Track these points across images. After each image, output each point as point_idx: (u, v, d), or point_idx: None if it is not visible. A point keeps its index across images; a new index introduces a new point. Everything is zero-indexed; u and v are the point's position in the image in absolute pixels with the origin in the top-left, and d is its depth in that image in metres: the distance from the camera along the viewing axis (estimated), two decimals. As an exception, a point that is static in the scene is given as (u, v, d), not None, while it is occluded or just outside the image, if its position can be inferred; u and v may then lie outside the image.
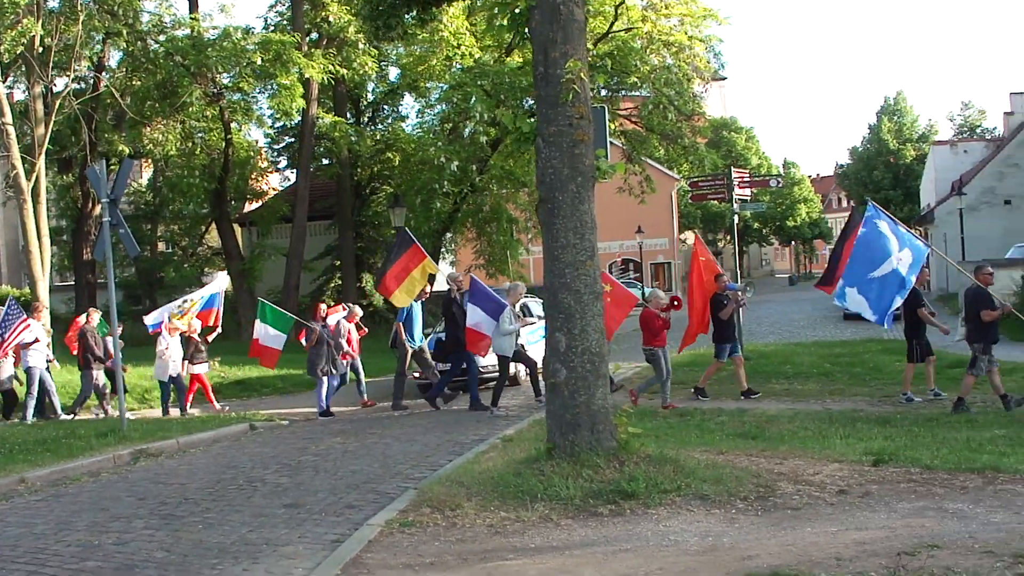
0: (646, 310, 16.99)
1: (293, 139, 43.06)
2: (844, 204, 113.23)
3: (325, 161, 42.45)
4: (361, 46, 35.24)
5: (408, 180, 36.00)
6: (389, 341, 20.25)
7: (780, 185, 53.77)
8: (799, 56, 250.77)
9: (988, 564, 6.57)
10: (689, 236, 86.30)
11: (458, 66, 32.49)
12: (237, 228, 42.62)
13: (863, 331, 28.07)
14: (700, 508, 8.79)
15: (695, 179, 29.20)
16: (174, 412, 20.29)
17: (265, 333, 20.79)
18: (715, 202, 32.77)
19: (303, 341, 20.08)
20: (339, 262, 41.71)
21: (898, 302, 15.17)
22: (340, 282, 41.11)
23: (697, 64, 32.75)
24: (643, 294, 17.29)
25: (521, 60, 29.84)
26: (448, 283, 19.62)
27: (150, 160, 39.84)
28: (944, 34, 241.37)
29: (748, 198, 25.34)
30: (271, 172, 47.66)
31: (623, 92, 35.64)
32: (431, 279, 20.18)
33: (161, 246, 46.61)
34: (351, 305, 21.46)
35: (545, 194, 10.09)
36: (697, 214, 78.10)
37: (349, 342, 19.84)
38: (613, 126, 35.12)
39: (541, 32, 10.16)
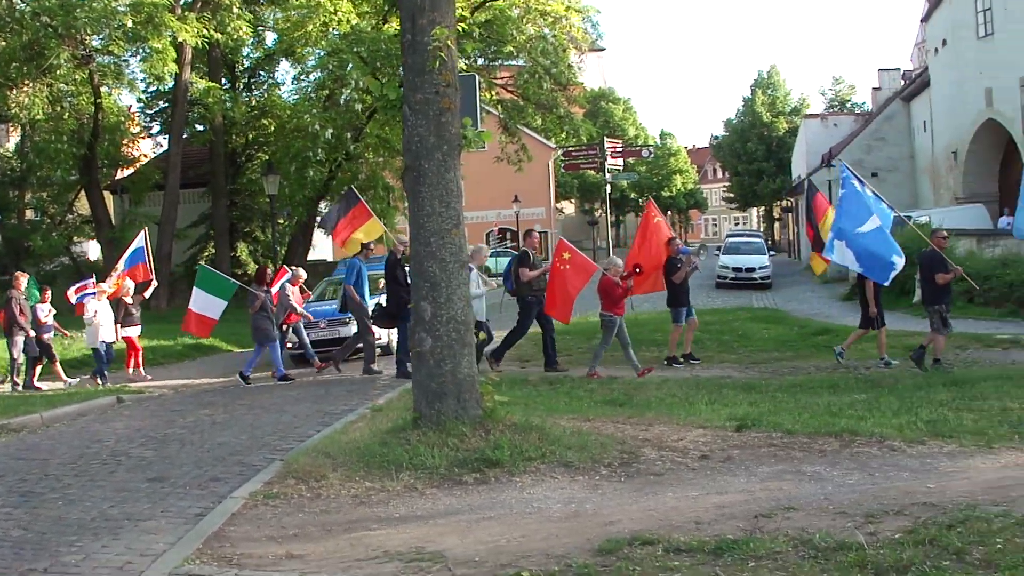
0: (605, 277, 16.74)
1: (166, 104, 42.10)
2: (720, 175, 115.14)
3: (199, 127, 41.69)
4: (236, 10, 34.59)
5: (283, 148, 35.50)
6: (339, 306, 19.95)
7: (651, 155, 54.54)
8: (677, 29, 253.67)
9: (840, 524, 6.74)
10: (567, 205, 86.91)
11: (335, 32, 32.07)
12: (108, 195, 41.61)
13: (734, 299, 28.61)
14: (564, 475, 8.85)
15: (569, 148, 29.37)
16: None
17: (203, 301, 19.62)
18: (591, 172, 32.99)
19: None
20: (212, 231, 41.01)
21: (898, 261, 15.51)
22: (213, 251, 40.37)
23: (574, 34, 32.89)
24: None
25: (398, 27, 29.57)
26: (392, 245, 18.75)
27: (16, 125, 38.66)
28: (817, 10, 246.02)
29: (621, 168, 25.53)
30: (143, 138, 46.51)
31: (500, 61, 35.67)
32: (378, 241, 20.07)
33: (29, 214, 45.24)
34: (295, 268, 20.93)
35: (411, 162, 10.02)
36: (574, 184, 78.59)
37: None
38: (489, 95, 35.13)
39: (409, -1, 10.07)
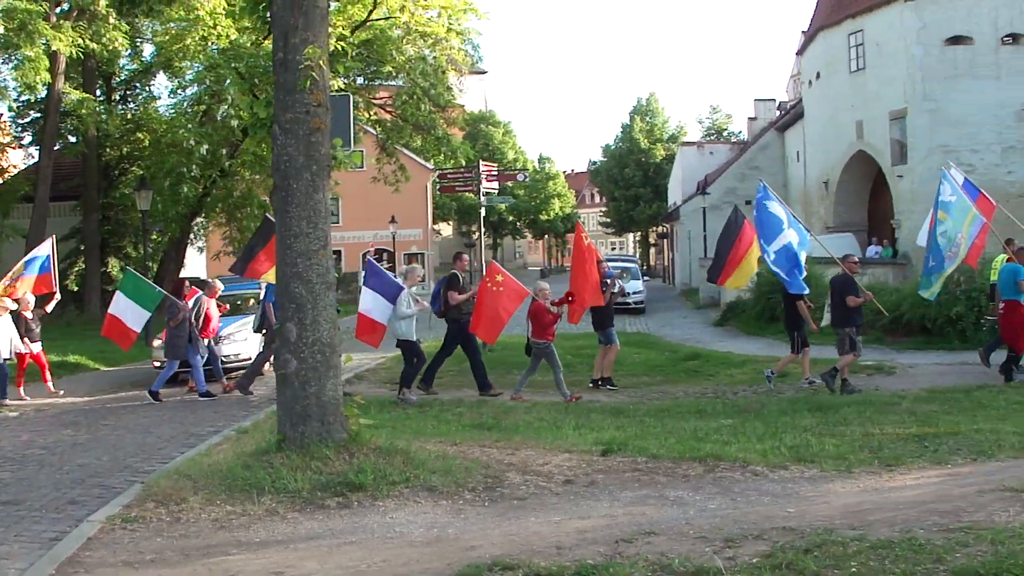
0: (536, 303, 16.64)
1: (39, 115, 40.94)
2: (597, 200, 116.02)
3: (72, 139, 40.59)
4: (112, 20, 33.87)
5: (157, 162, 34.71)
6: (255, 325, 19.18)
7: (526, 179, 54.83)
8: (559, 55, 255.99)
9: (700, 549, 6.79)
10: (444, 227, 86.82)
11: (214, 47, 31.58)
12: (-27, 207, 40.33)
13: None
14: (428, 499, 8.82)
15: (444, 171, 29.40)
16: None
17: (126, 309, 18.42)
18: (468, 194, 33.02)
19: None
20: (83, 245, 39.99)
21: (798, 274, 16.59)
22: (84, 266, 39.39)
23: (454, 56, 32.90)
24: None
25: (277, 45, 29.24)
26: None
27: None
28: (697, 40, 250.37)
29: (496, 191, 25.59)
30: (14, 148, 45.22)
31: (379, 81, 35.51)
32: None
33: None
34: (213, 280, 20.11)
35: (279, 181, 9.92)
36: (452, 206, 78.62)
37: (208, 320, 18.68)
38: (368, 115, 35.05)
39: (281, 17, 9.97)
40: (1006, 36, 34.17)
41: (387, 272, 17.11)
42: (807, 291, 17.23)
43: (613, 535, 7.35)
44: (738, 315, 29.07)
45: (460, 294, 17.34)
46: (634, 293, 40.45)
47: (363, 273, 16.88)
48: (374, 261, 17.60)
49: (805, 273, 16.93)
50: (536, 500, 8.79)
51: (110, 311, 18.73)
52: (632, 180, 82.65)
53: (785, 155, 51.22)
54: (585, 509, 8.42)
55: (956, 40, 34.11)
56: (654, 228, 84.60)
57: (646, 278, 50.52)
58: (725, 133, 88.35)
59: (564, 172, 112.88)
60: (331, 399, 9.87)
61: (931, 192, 32.90)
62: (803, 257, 16.85)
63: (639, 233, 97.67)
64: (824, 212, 40.90)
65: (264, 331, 18.58)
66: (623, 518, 7.99)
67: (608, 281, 18.18)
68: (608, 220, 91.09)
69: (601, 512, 8.28)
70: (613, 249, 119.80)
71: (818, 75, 40.66)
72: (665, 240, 72.39)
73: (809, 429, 12.21)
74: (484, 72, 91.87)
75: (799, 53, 46.01)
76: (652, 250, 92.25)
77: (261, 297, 19.19)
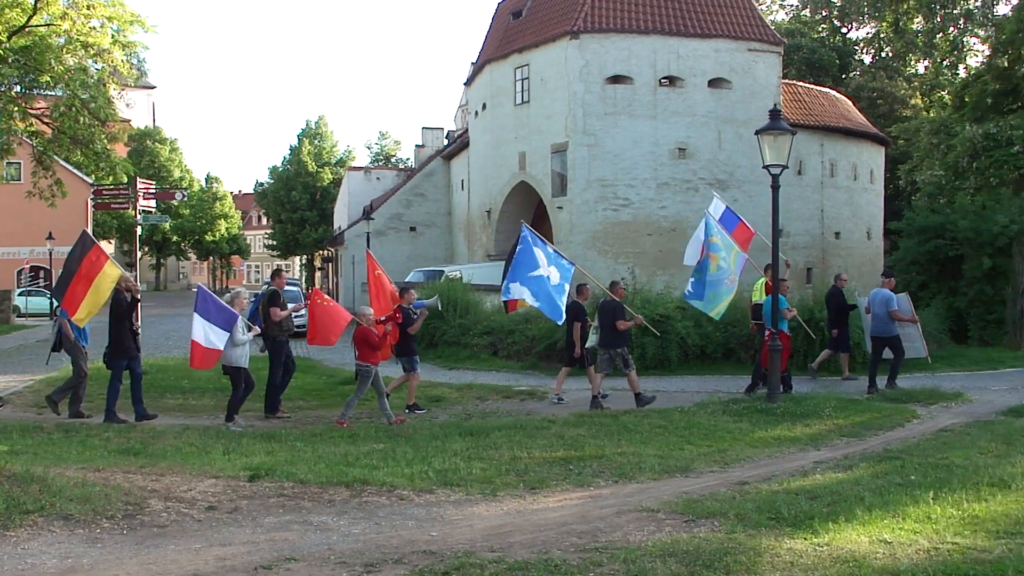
0: (360, 327, 16.38)
1: None
2: (264, 222, 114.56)
3: None
4: None
5: None
6: (53, 344, 17.66)
7: (184, 198, 53.55)
8: (231, 73, 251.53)
9: (339, 574, 6.78)
10: (106, 246, 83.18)
11: None
12: None
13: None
14: (63, 528, 8.32)
15: (99, 187, 28.24)
16: None
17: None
18: (128, 212, 31.77)
19: None
20: None
21: (563, 302, 17.66)
22: None
23: (118, 68, 31.70)
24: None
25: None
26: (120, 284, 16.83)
27: None
28: (369, 65, 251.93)
29: (153, 210, 24.72)
30: None
31: (37, 90, 33.72)
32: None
33: None
34: None
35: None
36: (114, 224, 75.66)
37: None
38: (23, 126, 33.26)
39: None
40: (663, 78, 36.11)
41: (217, 298, 16.35)
42: (563, 320, 18.14)
43: (253, 562, 7.23)
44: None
45: (282, 310, 17.30)
46: (297, 317, 39.88)
47: (195, 300, 16.00)
48: (204, 287, 16.84)
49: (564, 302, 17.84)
50: (177, 527, 8.47)
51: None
52: (299, 203, 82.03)
53: (451, 183, 52.20)
54: (227, 536, 8.19)
55: (616, 79, 35.73)
56: (320, 252, 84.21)
57: (307, 302, 50.03)
58: (393, 159, 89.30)
59: (232, 192, 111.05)
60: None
61: (589, 223, 34.90)
62: (566, 288, 17.88)
63: (305, 257, 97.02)
64: (486, 240, 41.85)
65: (62, 350, 17.48)
66: (265, 544, 7.84)
67: (417, 312, 18.35)
68: (274, 243, 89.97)
69: (243, 539, 8.07)
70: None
71: (484, 106, 41.60)
72: (330, 264, 72.21)
73: (459, 453, 12.38)
74: (153, 87, 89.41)
75: (467, 84, 46.98)
76: (318, 274, 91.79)
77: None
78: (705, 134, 36.27)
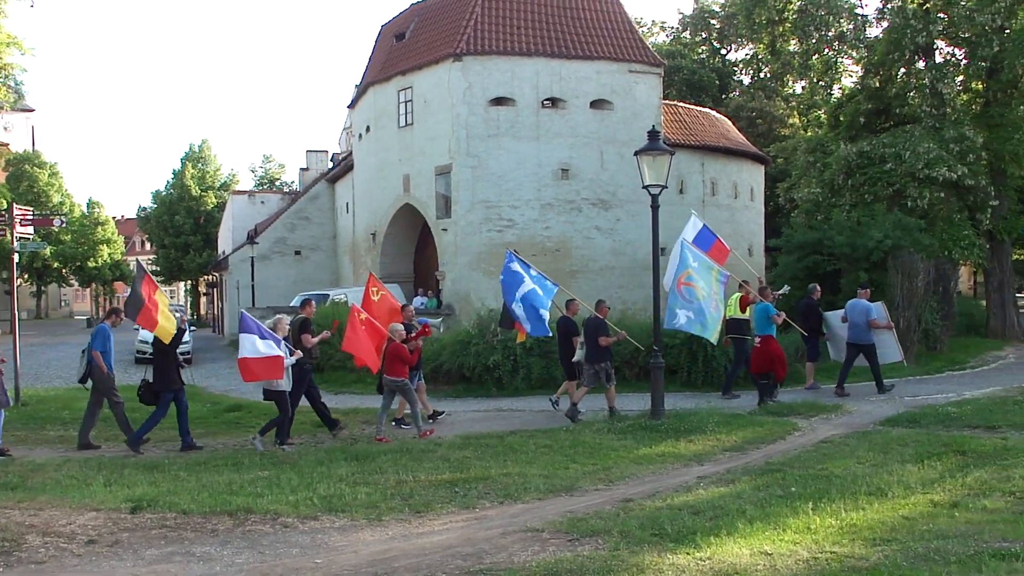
0: (394, 343, 17.24)
1: None
2: (148, 247, 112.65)
3: None
4: None
5: None
6: (81, 375, 17.27)
7: (63, 224, 52.62)
8: (113, 97, 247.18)
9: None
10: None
11: None
12: None
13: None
14: (-67, 568, 8.10)
15: (-27, 213, 27.50)
16: None
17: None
18: (5, 238, 30.97)
19: None
20: None
21: (545, 315, 18.70)
22: None
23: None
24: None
25: None
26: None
27: None
28: (252, 88, 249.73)
29: (31, 236, 24.11)
30: None
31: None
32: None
33: None
34: None
35: None
36: (-7, 248, 73.68)
37: None
38: None
39: None
40: (546, 100, 36.27)
41: (262, 324, 16.58)
42: (550, 334, 19.58)
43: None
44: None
45: (313, 337, 17.64)
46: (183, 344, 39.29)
47: (240, 323, 16.37)
48: (247, 313, 16.97)
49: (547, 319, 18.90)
50: (56, 563, 8.29)
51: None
52: (183, 228, 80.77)
53: (335, 206, 51.86)
54: (107, 570, 8.04)
55: (499, 101, 35.80)
56: (204, 277, 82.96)
57: (193, 328, 49.32)
58: (278, 183, 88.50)
59: (114, 217, 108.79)
60: None
61: (474, 244, 34.95)
62: (548, 304, 18.84)
63: (189, 282, 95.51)
64: (371, 263, 41.63)
65: (91, 381, 17.19)
66: (146, 576, 7.70)
67: (416, 327, 18.78)
68: (158, 268, 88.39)
69: (123, 573, 7.95)
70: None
71: (368, 129, 41.42)
72: (215, 289, 71.23)
73: (344, 478, 12.32)
74: (32, 110, 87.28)
75: (351, 106, 46.74)
76: (203, 299, 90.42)
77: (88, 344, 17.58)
78: (588, 155, 36.54)
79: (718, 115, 48.42)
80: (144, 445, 16.68)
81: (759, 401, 19.90)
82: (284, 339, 16.69)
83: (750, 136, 53.24)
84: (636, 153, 18.34)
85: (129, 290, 17.89)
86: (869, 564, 7.65)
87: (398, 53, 39.94)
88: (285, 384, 16.40)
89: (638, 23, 64.68)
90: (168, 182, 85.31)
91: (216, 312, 68.61)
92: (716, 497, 10.76)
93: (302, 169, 65.09)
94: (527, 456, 14.21)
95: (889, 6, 34.76)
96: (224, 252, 61.04)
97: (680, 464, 13.64)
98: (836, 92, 43.51)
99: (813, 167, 37.93)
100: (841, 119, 39.42)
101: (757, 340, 20.41)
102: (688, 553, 8.08)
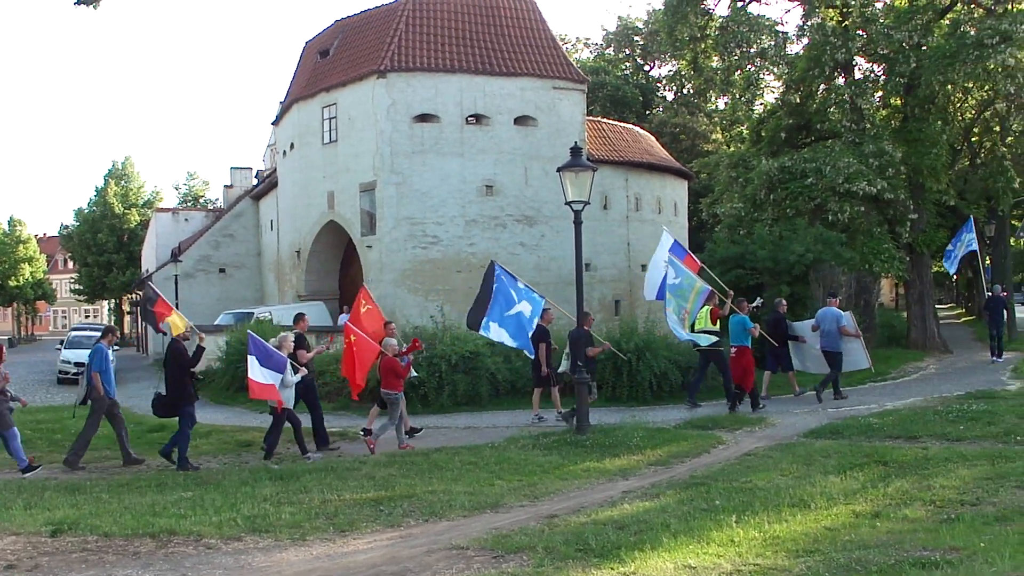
0: (387, 358, 18.00)
1: None
2: (71, 265, 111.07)
3: None
4: None
5: None
6: (80, 397, 17.66)
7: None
8: (34, 114, 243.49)
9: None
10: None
11: None
12: None
13: (75, 395, 27.50)
14: None
15: None
16: None
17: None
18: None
19: None
20: None
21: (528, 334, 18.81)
22: None
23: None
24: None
25: None
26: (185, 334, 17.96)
27: None
28: (175, 104, 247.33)
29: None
30: None
31: None
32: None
33: None
34: None
35: None
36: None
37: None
38: None
39: None
40: (470, 116, 36.32)
41: (267, 344, 17.17)
42: (531, 353, 19.60)
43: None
44: (208, 384, 28.63)
45: (308, 352, 18.38)
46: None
47: (248, 344, 17.02)
48: (254, 335, 17.41)
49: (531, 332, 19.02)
50: (-30, 589, 8.10)
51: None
52: (106, 246, 79.58)
53: (260, 223, 51.55)
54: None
55: (424, 118, 35.79)
56: (128, 295, 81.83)
57: (117, 347, 48.69)
58: (202, 200, 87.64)
59: (36, 236, 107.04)
60: None
61: (399, 261, 34.87)
62: (535, 322, 19.00)
63: (113, 300, 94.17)
64: (296, 281, 41.40)
65: (89, 402, 17.35)
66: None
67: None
68: (81, 287, 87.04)
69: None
70: (88, 317, 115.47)
71: (292, 145, 41.18)
72: (139, 308, 70.35)
73: (268, 498, 12.19)
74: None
75: (275, 123, 46.47)
76: (127, 318, 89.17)
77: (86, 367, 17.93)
78: (512, 171, 36.64)
79: (642, 131, 48.85)
80: (79, 470, 16.57)
81: (730, 408, 21.00)
82: (289, 355, 17.30)
83: (674, 152, 53.75)
84: (559, 169, 18.45)
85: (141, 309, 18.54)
86: (792, 575, 7.71)
87: (322, 70, 39.82)
88: (288, 401, 17.07)
89: (562, 40, 65.15)
90: (91, 199, 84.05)
91: (140, 331, 67.74)
92: (641, 511, 10.78)
93: (226, 186, 64.58)
94: (452, 473, 14.18)
95: (809, 23, 35.15)
96: (148, 270, 60.29)
97: (605, 479, 13.67)
98: (758, 108, 44.00)
99: (735, 182, 38.27)
100: (763, 134, 39.80)
101: (733, 350, 21.20)
102: (612, 568, 8.08)
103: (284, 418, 17.17)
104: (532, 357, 20.05)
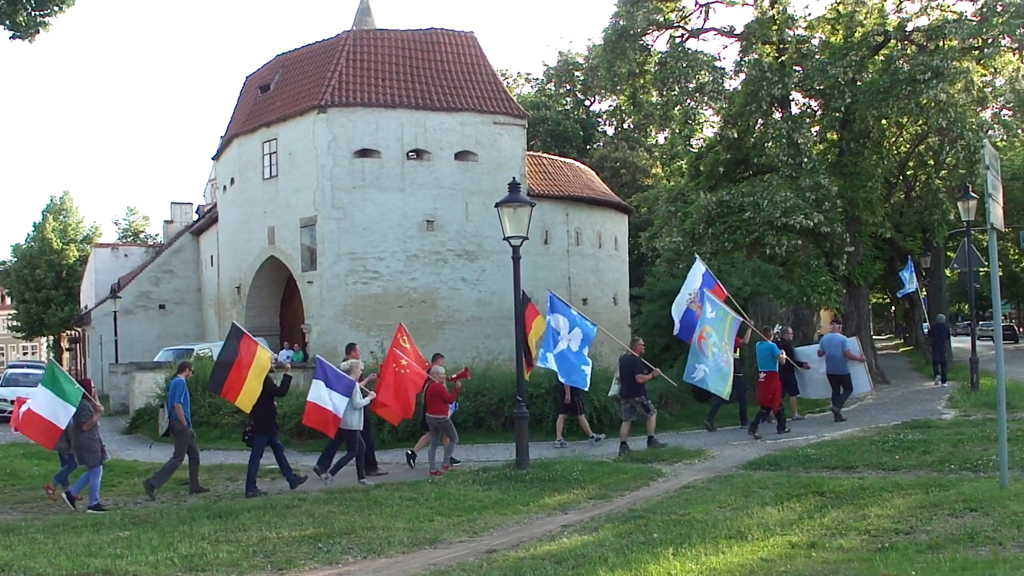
0: (433, 384, 18.72)
1: None
2: (8, 302, 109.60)
3: None
4: None
5: None
6: (164, 429, 18.14)
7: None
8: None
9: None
10: None
11: None
12: None
13: (10, 435, 27.08)
14: None
15: None
16: None
17: (49, 403, 16.14)
18: None
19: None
20: None
21: (587, 369, 19.13)
22: None
23: None
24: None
25: None
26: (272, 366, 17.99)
27: None
28: (115, 140, 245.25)
29: None
30: None
31: None
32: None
33: None
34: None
35: None
36: None
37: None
38: None
39: None
40: (411, 151, 36.33)
41: (335, 367, 17.80)
42: (587, 386, 19.86)
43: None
44: (148, 422, 28.31)
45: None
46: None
47: (315, 368, 17.58)
48: (322, 358, 18.27)
49: (588, 369, 19.30)
50: None
51: (31, 407, 16.47)
52: (44, 282, 78.55)
53: (200, 259, 51.28)
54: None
55: (364, 153, 35.75)
56: (66, 332, 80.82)
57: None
58: (142, 235, 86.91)
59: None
60: None
61: (340, 297, 34.78)
62: (586, 351, 19.29)
63: (51, 337, 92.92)
64: (237, 316, 41.03)
65: (173, 434, 17.98)
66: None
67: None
68: (18, 324, 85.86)
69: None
70: (26, 354, 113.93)
71: (233, 180, 40.98)
72: (78, 344, 69.50)
73: (206, 537, 12.09)
74: None
75: (215, 158, 46.28)
76: (66, 355, 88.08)
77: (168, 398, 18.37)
78: (453, 206, 36.70)
79: (582, 166, 49.16)
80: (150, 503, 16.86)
81: (778, 428, 22.15)
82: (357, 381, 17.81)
83: (614, 186, 54.11)
84: (497, 205, 18.51)
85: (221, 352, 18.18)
86: (727, 607, 7.76)
87: (263, 105, 39.72)
88: (356, 424, 17.68)
89: (503, 75, 65.43)
90: (28, 235, 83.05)
91: (79, 368, 66.93)
92: (579, 545, 10.81)
93: (166, 221, 64.17)
94: (392, 509, 14.14)
95: (746, 59, 35.63)
96: (87, 307, 59.68)
97: (544, 513, 13.69)
98: (696, 143, 44.45)
99: (675, 216, 38.56)
100: (701, 169, 40.22)
101: (762, 375, 22.12)
102: (549, 602, 8.09)
103: (357, 440, 17.77)
104: (585, 388, 20.32)
